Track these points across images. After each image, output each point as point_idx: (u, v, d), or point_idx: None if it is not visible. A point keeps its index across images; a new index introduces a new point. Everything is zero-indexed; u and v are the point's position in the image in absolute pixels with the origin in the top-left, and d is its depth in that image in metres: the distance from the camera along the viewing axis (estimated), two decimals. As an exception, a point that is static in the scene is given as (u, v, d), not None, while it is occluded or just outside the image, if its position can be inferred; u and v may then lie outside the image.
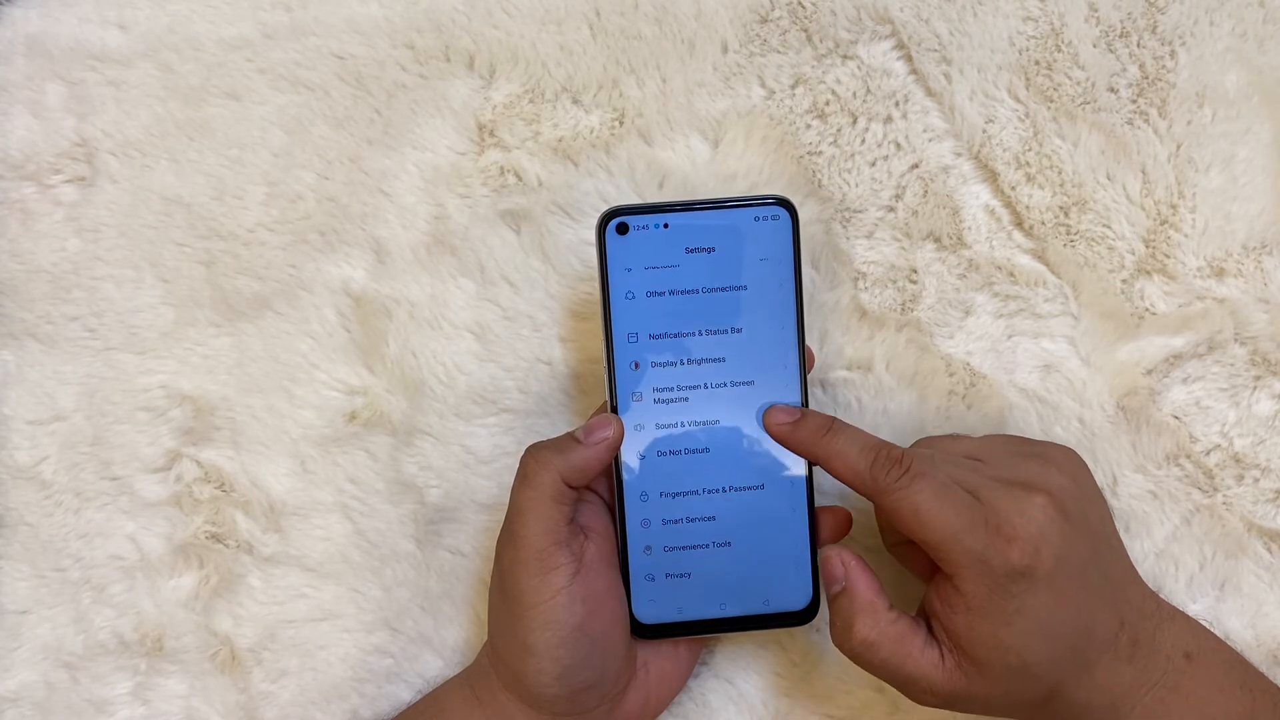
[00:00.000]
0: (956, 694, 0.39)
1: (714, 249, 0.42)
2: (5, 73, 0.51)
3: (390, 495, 0.48)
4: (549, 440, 0.42)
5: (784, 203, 0.42)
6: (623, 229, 0.42)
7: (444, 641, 0.48)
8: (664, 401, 0.42)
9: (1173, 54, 0.48)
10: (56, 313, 0.50)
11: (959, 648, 0.38)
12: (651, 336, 0.42)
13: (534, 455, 0.41)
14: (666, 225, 0.42)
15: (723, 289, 0.42)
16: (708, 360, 0.42)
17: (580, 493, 0.42)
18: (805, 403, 0.42)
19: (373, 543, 0.48)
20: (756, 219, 0.42)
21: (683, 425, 0.42)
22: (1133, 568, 0.43)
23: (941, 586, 0.39)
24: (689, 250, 0.42)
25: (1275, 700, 0.42)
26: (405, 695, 0.48)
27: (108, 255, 0.50)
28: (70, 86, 0.50)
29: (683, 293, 0.42)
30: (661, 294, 0.42)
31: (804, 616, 0.43)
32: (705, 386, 0.42)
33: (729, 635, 0.47)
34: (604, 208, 0.42)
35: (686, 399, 0.42)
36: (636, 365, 0.42)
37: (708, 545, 0.42)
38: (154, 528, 0.49)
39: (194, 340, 0.49)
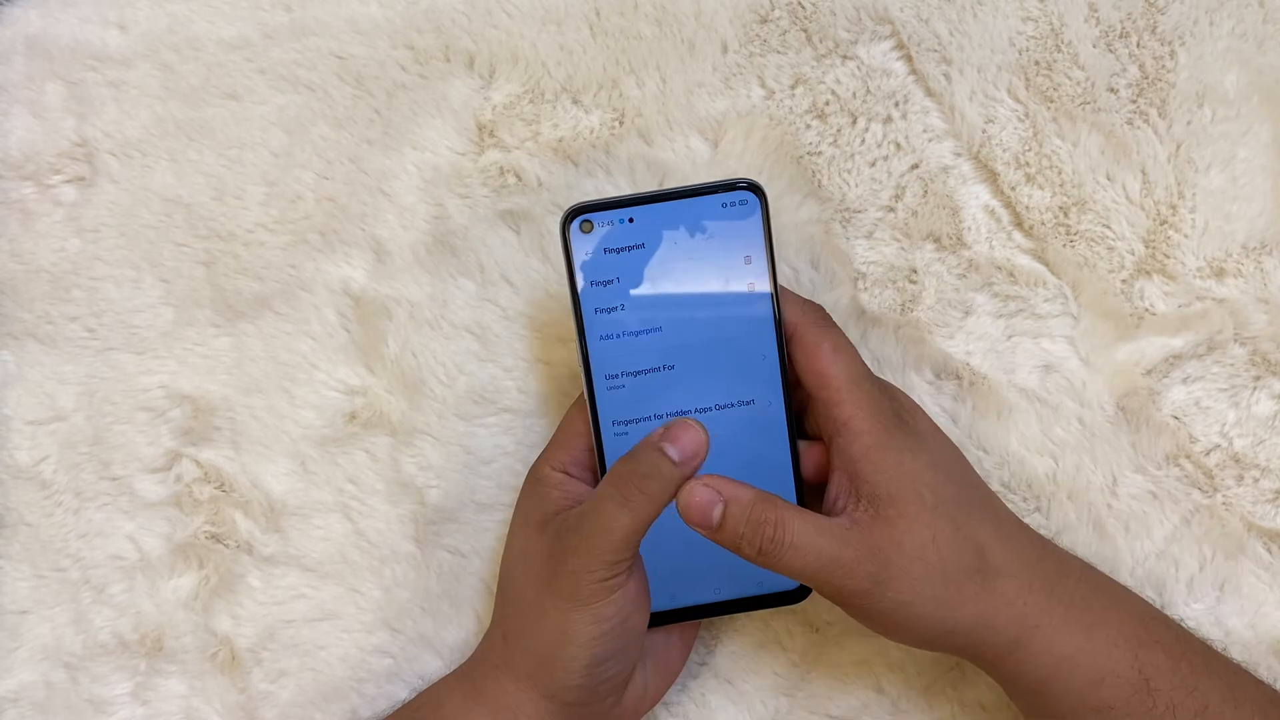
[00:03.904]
0: (877, 553, 0.38)
1: (683, 240, 0.41)
2: (5, 73, 0.51)
3: (390, 495, 0.48)
4: (639, 464, 0.38)
5: (753, 186, 0.41)
6: (587, 227, 0.41)
7: (444, 641, 0.48)
8: (643, 400, 0.42)
9: (1173, 54, 0.48)
10: (56, 313, 0.50)
11: (870, 489, 0.39)
12: (626, 337, 0.41)
13: (642, 482, 0.38)
14: (632, 220, 0.41)
15: (694, 282, 0.41)
16: (684, 359, 0.42)
17: None
18: (789, 400, 0.42)
19: (372, 543, 0.48)
20: (725, 205, 0.41)
21: (664, 420, 0.42)
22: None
23: (839, 438, 0.40)
24: (656, 244, 0.41)
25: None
26: (405, 695, 0.47)
27: (108, 255, 0.50)
28: (70, 86, 0.50)
29: (654, 291, 0.41)
30: (635, 292, 0.41)
31: (796, 596, 0.43)
32: (684, 383, 0.42)
33: (729, 635, 0.47)
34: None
35: (666, 397, 0.42)
36: (612, 370, 0.41)
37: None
38: (154, 528, 0.49)
39: (194, 340, 0.49)
